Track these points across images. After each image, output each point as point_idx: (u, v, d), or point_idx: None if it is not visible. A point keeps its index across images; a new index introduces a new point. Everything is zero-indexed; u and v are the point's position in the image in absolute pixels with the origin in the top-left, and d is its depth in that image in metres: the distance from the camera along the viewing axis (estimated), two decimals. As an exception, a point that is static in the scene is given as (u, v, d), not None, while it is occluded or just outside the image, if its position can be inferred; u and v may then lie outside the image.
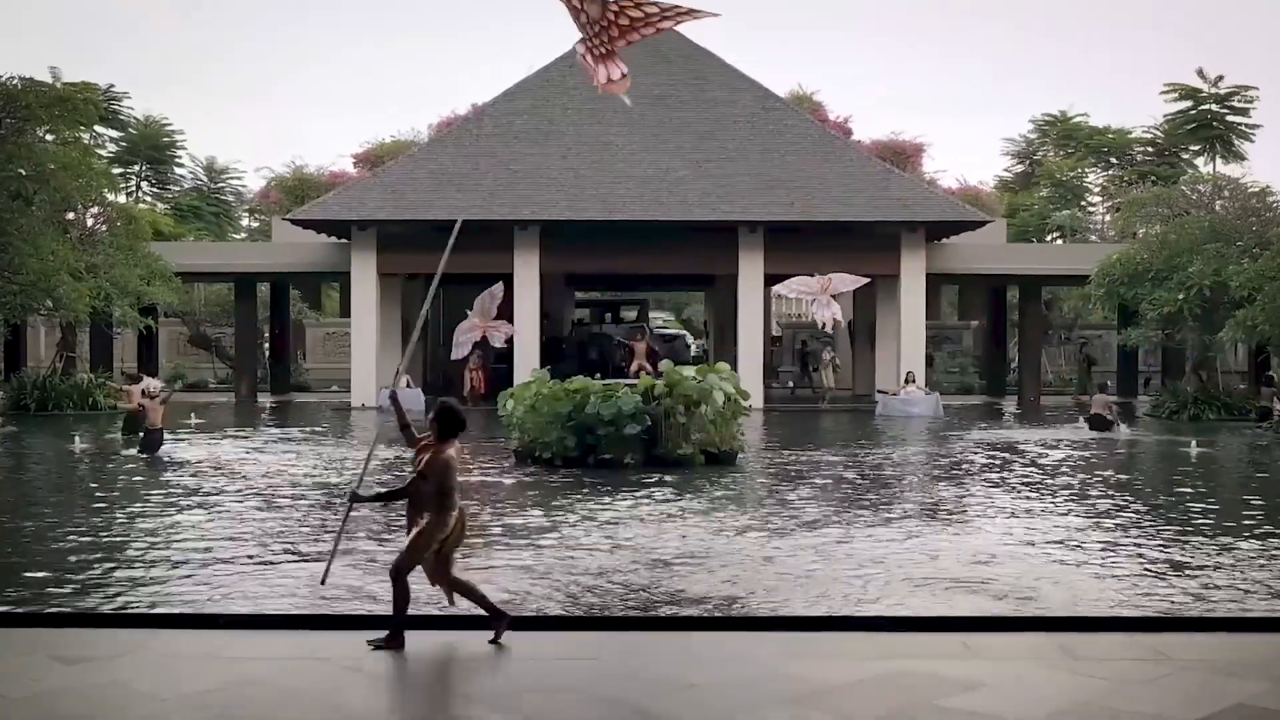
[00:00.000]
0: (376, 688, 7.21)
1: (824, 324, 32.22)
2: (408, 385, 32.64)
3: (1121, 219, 40.12)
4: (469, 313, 32.48)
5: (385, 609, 9.40)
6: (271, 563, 11.34)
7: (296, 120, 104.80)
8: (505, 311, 32.43)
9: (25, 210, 29.33)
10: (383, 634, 7.90)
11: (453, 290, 39.74)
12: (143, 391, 22.65)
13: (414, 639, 7.91)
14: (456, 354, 32.91)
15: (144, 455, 20.24)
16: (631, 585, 10.43)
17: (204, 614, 9.18)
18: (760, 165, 33.94)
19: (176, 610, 9.46)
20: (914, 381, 32.00)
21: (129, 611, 9.39)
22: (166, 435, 21.29)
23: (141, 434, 21.05)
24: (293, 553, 11.84)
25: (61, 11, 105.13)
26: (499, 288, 31.95)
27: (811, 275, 31.14)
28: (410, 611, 7.96)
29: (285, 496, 15.80)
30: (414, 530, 7.89)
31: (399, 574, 7.86)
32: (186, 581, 10.47)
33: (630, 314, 46.54)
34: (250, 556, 11.61)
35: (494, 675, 7.35)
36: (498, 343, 32.38)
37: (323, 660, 7.65)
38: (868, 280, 31.82)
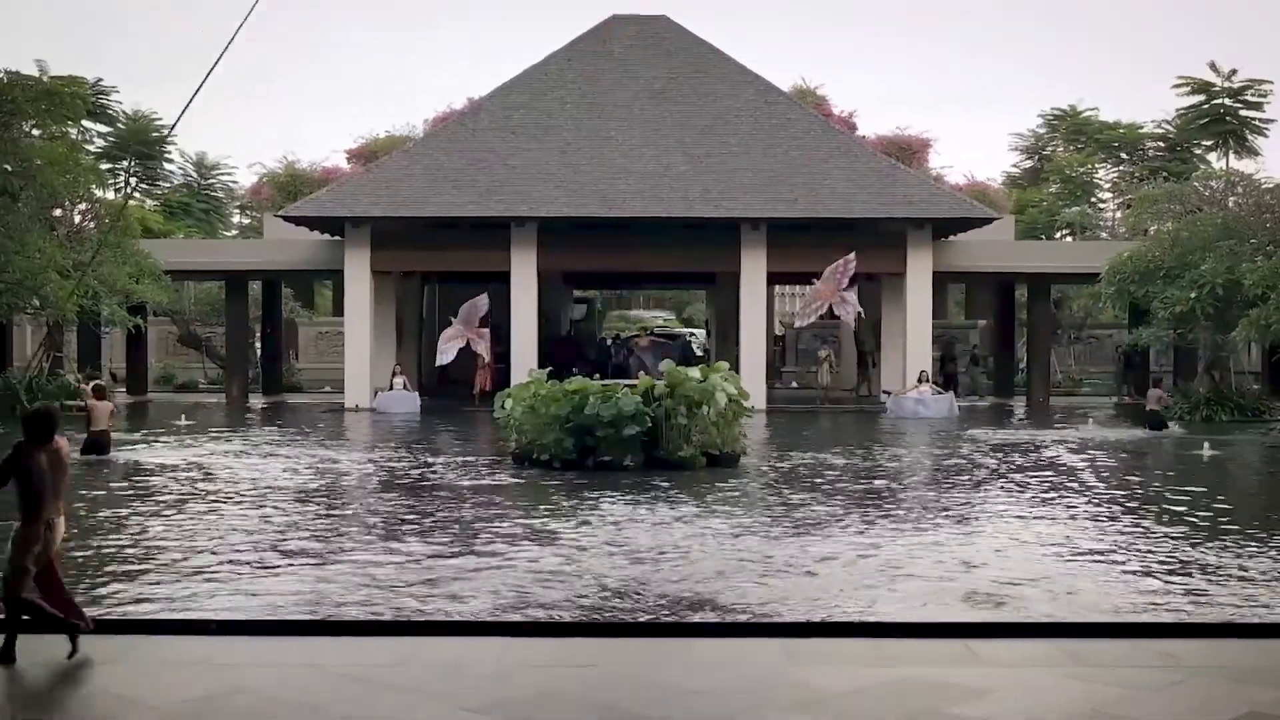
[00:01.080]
0: (370, 694, 7.08)
1: (846, 318, 31.67)
2: (404, 387, 32.27)
3: (1132, 216, 39.72)
4: (453, 320, 32.24)
5: (381, 612, 9.20)
6: (259, 567, 11.12)
7: (295, 119, 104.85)
8: (497, 316, 32.18)
9: (11, 207, 29.07)
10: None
11: (447, 289, 39.59)
12: (93, 389, 21.27)
13: (426, 646, 7.64)
14: (441, 360, 32.66)
15: (90, 458, 19.23)
16: (630, 590, 10.22)
17: (194, 619, 9.01)
18: (763, 161, 33.54)
19: (166, 616, 9.26)
20: (926, 381, 31.50)
21: (118, 617, 9.16)
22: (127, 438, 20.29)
23: (84, 435, 19.82)
24: (282, 557, 11.63)
25: (61, 10, 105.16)
26: (484, 299, 31.82)
27: (804, 288, 30.59)
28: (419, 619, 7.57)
29: (270, 500, 15.54)
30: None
31: (11, 595, 7.49)
32: (175, 587, 10.26)
33: (579, 310, 45.74)
34: (234, 561, 11.38)
35: (492, 682, 7.24)
36: (479, 350, 32.14)
37: (316, 666, 7.57)
38: (852, 258, 30.33)
